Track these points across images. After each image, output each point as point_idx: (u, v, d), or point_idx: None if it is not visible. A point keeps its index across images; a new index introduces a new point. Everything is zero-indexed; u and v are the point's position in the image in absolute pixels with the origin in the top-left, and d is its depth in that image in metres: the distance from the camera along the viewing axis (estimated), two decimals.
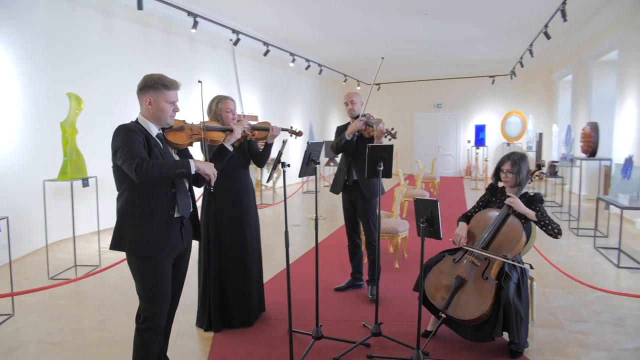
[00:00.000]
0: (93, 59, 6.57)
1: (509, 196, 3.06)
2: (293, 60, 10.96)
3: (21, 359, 3.03)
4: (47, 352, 3.11)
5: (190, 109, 4.88)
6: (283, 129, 3.44)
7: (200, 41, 8.94)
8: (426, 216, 2.60)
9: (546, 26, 7.62)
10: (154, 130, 2.37)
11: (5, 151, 5.17)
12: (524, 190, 3.14)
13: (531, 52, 10.05)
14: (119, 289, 4.36)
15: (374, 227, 4.03)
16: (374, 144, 3.47)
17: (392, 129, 3.80)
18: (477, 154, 14.09)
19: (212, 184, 2.44)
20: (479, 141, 14.85)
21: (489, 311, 2.77)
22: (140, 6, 5.66)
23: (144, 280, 2.30)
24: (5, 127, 5.18)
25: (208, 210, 3.35)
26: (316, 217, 3.04)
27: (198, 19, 7.22)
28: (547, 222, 2.94)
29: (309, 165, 2.90)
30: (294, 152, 12.96)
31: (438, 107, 16.14)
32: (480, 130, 14.85)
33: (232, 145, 3.25)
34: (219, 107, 3.32)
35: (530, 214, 2.95)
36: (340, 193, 4.17)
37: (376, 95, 16.59)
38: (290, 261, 5.30)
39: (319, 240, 5.53)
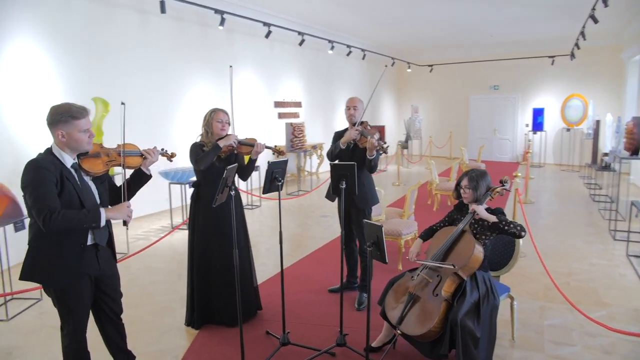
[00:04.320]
0: (129, 58, 7.00)
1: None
2: (332, 48, 10.89)
3: (35, 342, 3.47)
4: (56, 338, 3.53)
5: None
6: (267, 147, 3.59)
7: (237, 32, 9.16)
8: (372, 240, 2.63)
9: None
10: (69, 161, 2.34)
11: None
12: (486, 206, 3.09)
13: (591, 25, 9.20)
14: (137, 278, 4.77)
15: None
16: (340, 163, 3.42)
17: (385, 143, 3.82)
18: (529, 141, 13.28)
19: (128, 223, 2.46)
20: (537, 125, 14.01)
21: (438, 328, 2.78)
22: (163, 10, 5.92)
23: (60, 305, 2.39)
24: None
25: (194, 216, 3.59)
26: (280, 238, 3.16)
27: (237, 11, 7.38)
28: (506, 222, 2.92)
29: (272, 183, 3.01)
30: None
31: (494, 89, 15.33)
32: (538, 113, 13.98)
33: (219, 156, 3.47)
34: (212, 116, 3.53)
35: (491, 217, 2.95)
36: (336, 200, 4.23)
37: (428, 77, 16.12)
38: (308, 252, 5.64)
39: (332, 238, 5.71)
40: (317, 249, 5.73)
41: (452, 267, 2.86)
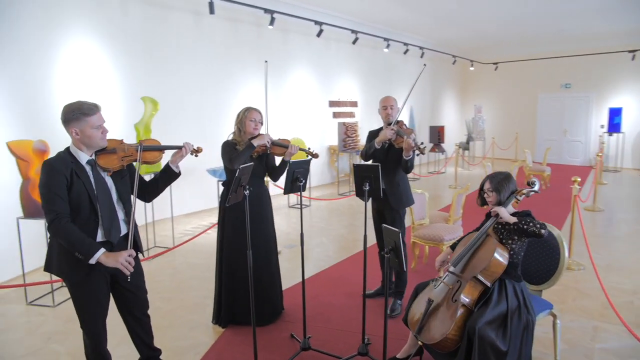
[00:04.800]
0: (182, 59, 7.24)
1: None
2: (387, 46, 10.65)
3: (73, 329, 3.63)
4: None
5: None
6: (301, 149, 3.53)
7: (290, 31, 9.20)
8: (390, 246, 2.48)
9: None
10: (84, 158, 2.38)
11: None
12: (513, 211, 2.87)
13: None
14: (178, 273, 4.91)
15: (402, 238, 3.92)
16: (363, 164, 3.25)
17: (422, 143, 3.67)
18: (602, 143, 12.20)
19: (128, 274, 2.34)
20: (614, 126, 12.88)
21: (455, 337, 2.58)
22: (212, 10, 6.04)
23: (75, 301, 2.45)
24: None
25: (223, 215, 3.60)
26: (301, 239, 3.07)
27: (289, 10, 7.41)
28: (527, 220, 2.69)
29: (293, 184, 2.94)
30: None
31: (566, 87, 14.27)
32: (615, 114, 12.84)
33: (251, 155, 3.45)
34: (245, 115, 3.53)
35: (512, 218, 2.73)
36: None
37: (493, 75, 15.35)
38: (351, 254, 5.52)
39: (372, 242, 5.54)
40: (360, 250, 5.59)
41: (475, 279, 2.64)
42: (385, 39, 10.59)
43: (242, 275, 3.53)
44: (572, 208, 5.00)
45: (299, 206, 8.27)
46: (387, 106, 3.92)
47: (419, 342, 2.80)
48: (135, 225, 2.59)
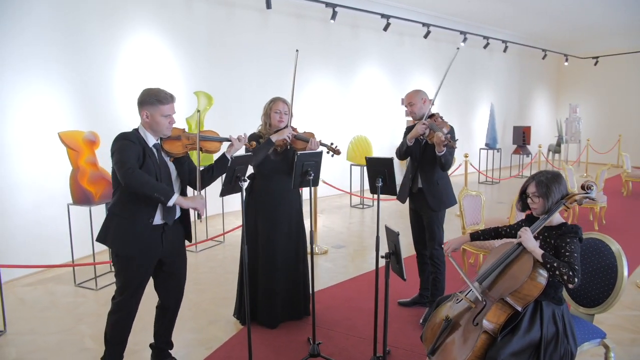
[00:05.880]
0: (249, 56, 7.34)
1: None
2: (464, 40, 9.98)
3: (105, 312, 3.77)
4: None
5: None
6: (322, 144, 3.35)
7: (360, 26, 8.96)
8: (390, 250, 2.19)
9: None
10: (151, 141, 2.54)
11: None
12: (561, 221, 2.36)
13: None
14: (218, 267, 4.94)
15: (439, 243, 3.56)
16: (375, 157, 2.97)
17: (456, 138, 3.34)
18: None
19: (201, 214, 2.53)
20: None
21: None
22: (269, 5, 6.03)
23: (118, 274, 2.57)
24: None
25: (247, 210, 3.49)
26: (311, 237, 2.86)
27: (353, 4, 7.22)
28: (554, 265, 2.15)
29: (302, 177, 2.74)
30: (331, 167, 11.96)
31: None
32: None
33: (275, 150, 3.33)
34: (270, 107, 3.41)
35: (537, 252, 2.20)
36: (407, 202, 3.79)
37: (592, 70, 13.82)
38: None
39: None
40: (408, 255, 5.22)
41: (502, 300, 2.23)
42: (462, 32, 9.94)
43: (262, 273, 3.42)
44: None
45: (361, 206, 8.02)
46: (406, 104, 3.65)
47: None
48: (189, 213, 2.72)
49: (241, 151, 2.90)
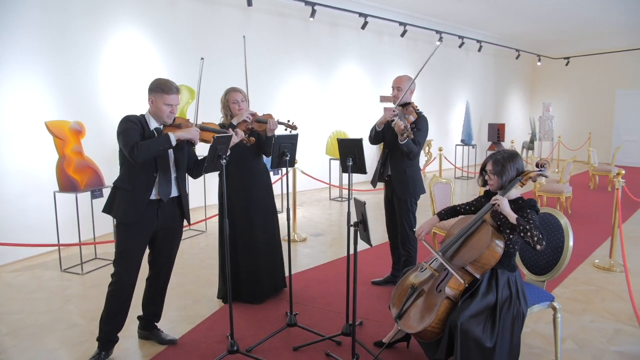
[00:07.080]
0: (233, 54, 7.51)
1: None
2: (440, 39, 10.32)
3: (93, 294, 3.92)
4: None
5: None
6: (280, 122, 3.52)
7: (340, 25, 9.20)
8: (358, 219, 2.42)
9: None
10: (153, 125, 2.80)
11: None
12: (518, 195, 2.62)
13: None
14: (202, 252, 5.12)
15: (409, 228, 3.79)
16: (346, 139, 3.18)
17: (410, 128, 3.54)
18: None
19: (195, 143, 2.82)
20: None
21: (436, 329, 2.44)
22: (249, 3, 6.22)
23: (117, 242, 2.81)
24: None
25: (221, 195, 3.68)
26: (288, 215, 3.07)
27: (331, 2, 7.39)
28: (527, 227, 2.41)
29: (280, 158, 2.96)
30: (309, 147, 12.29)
31: None
32: None
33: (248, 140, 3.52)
34: (227, 98, 3.58)
35: (512, 216, 2.47)
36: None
37: (565, 70, 14.33)
38: (374, 243, 5.41)
39: None
40: (383, 242, 5.48)
41: (461, 270, 2.50)
42: (438, 32, 10.27)
43: (241, 251, 3.61)
44: (615, 205, 4.55)
45: (340, 199, 8.26)
46: (394, 87, 3.85)
47: (397, 328, 2.70)
48: (187, 195, 3.00)
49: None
